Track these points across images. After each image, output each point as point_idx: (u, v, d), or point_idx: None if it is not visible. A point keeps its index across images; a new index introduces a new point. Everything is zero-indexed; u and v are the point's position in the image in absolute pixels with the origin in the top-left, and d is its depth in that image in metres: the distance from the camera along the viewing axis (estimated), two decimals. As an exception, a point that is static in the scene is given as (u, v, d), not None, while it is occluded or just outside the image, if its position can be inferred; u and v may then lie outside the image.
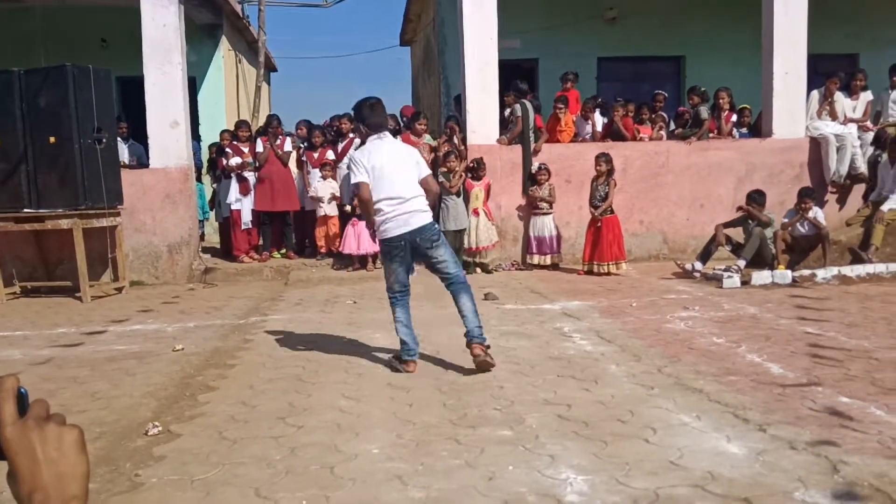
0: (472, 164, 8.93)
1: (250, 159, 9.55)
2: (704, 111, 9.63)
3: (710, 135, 9.67)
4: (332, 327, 5.95)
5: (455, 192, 8.75)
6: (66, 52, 10.01)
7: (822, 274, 7.32)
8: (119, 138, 9.21)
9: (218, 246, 10.95)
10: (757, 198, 8.05)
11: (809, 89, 9.56)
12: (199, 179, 10.82)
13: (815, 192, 8.47)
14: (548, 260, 9.01)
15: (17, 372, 3.90)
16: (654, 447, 3.08)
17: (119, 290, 8.36)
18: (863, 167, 9.40)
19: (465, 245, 8.85)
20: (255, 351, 5.23)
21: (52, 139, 7.64)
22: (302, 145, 10.08)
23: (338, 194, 9.42)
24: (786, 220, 8.21)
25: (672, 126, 10.39)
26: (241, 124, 10.01)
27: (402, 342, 4.52)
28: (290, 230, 10.02)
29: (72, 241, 7.77)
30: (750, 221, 8.03)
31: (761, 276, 7.35)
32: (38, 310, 7.48)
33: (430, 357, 4.79)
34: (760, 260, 7.84)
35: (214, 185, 10.73)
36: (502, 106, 9.61)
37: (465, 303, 4.48)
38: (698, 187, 9.53)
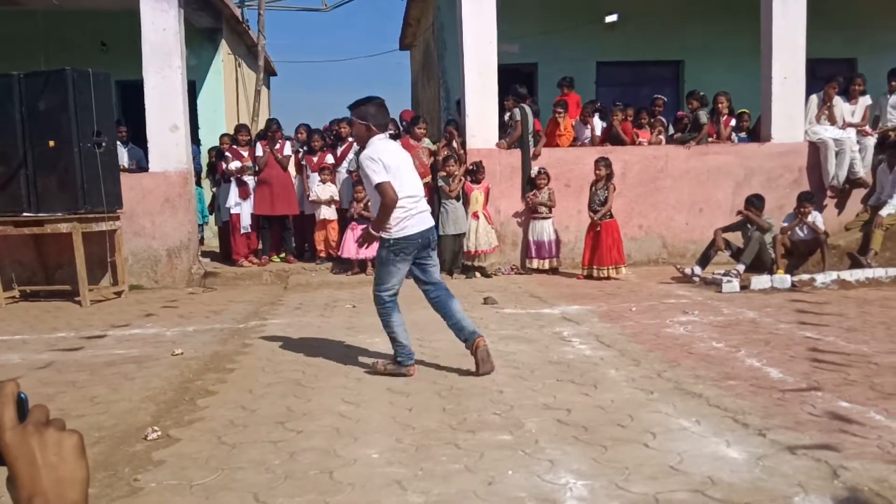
0: (471, 167, 8.93)
1: (250, 163, 9.56)
2: (703, 116, 9.64)
3: (709, 139, 9.69)
4: (331, 331, 5.95)
5: (454, 195, 8.76)
6: (66, 55, 10.01)
7: (821, 278, 7.33)
8: (119, 142, 9.21)
9: (217, 250, 10.95)
10: (756, 202, 8.06)
11: (808, 94, 9.58)
12: (198, 183, 10.82)
13: (815, 197, 8.47)
14: (547, 264, 9.01)
15: (16, 377, 3.90)
16: (654, 452, 3.08)
17: (118, 294, 8.35)
18: (861, 172, 9.41)
19: (465, 248, 8.86)
20: (255, 355, 5.22)
21: (51, 143, 7.64)
22: (301, 149, 10.09)
23: (337, 198, 9.43)
24: (785, 225, 8.22)
25: (671, 130, 10.40)
26: (240, 128, 10.02)
27: (402, 346, 4.51)
28: (289, 234, 10.03)
29: (71, 245, 7.77)
30: (749, 226, 8.03)
31: (760, 281, 7.35)
32: (37, 314, 7.47)
33: (429, 362, 4.78)
34: (760, 264, 7.84)
35: (214, 189, 10.73)
36: (501, 110, 9.63)
37: (457, 306, 4.55)
38: (697, 191, 9.54)
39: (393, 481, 2.87)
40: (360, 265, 9.06)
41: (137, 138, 10.25)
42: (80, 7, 11.20)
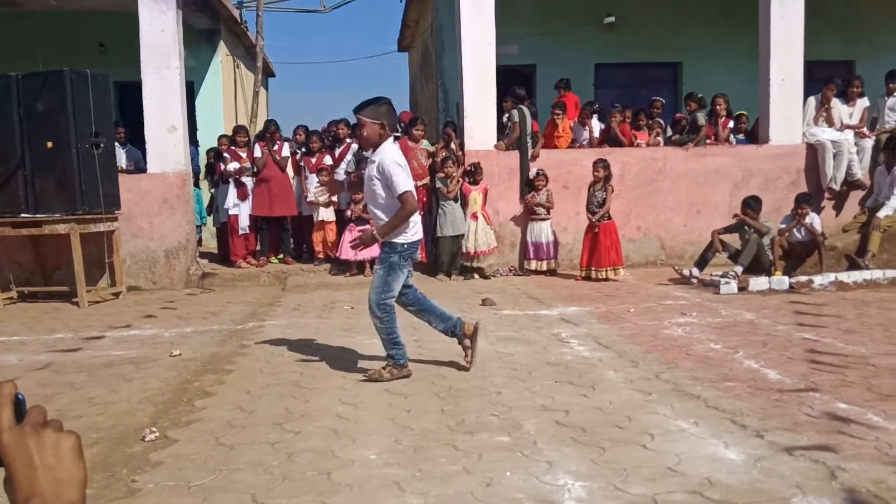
0: (469, 169, 8.94)
1: (248, 164, 9.55)
2: (701, 117, 9.65)
3: (707, 141, 9.70)
4: (329, 333, 5.94)
5: (453, 197, 8.76)
6: (64, 56, 9.99)
7: (819, 280, 7.33)
8: (117, 143, 9.20)
9: (215, 251, 10.94)
10: (753, 204, 8.06)
11: (806, 96, 9.60)
12: (196, 184, 10.82)
13: (812, 199, 8.49)
14: (545, 265, 9.01)
15: (14, 377, 3.89)
16: (652, 453, 3.08)
17: (116, 295, 8.34)
18: (859, 173, 9.43)
19: (463, 250, 8.86)
20: (253, 356, 5.22)
21: (49, 144, 7.63)
22: (300, 150, 10.09)
23: (335, 199, 9.43)
24: (783, 226, 8.23)
25: (669, 132, 10.41)
26: (238, 129, 10.02)
27: (403, 348, 4.48)
28: (287, 235, 10.02)
29: (69, 246, 7.76)
30: (746, 228, 8.04)
31: (758, 282, 7.36)
32: (35, 315, 7.46)
33: (427, 362, 4.78)
34: (758, 266, 7.85)
35: (212, 191, 10.73)
36: (500, 111, 9.63)
37: (434, 301, 4.62)
38: (695, 193, 9.55)
39: (391, 482, 2.87)
40: (359, 266, 9.06)
41: (136, 139, 10.25)
42: (78, 8, 11.20)
